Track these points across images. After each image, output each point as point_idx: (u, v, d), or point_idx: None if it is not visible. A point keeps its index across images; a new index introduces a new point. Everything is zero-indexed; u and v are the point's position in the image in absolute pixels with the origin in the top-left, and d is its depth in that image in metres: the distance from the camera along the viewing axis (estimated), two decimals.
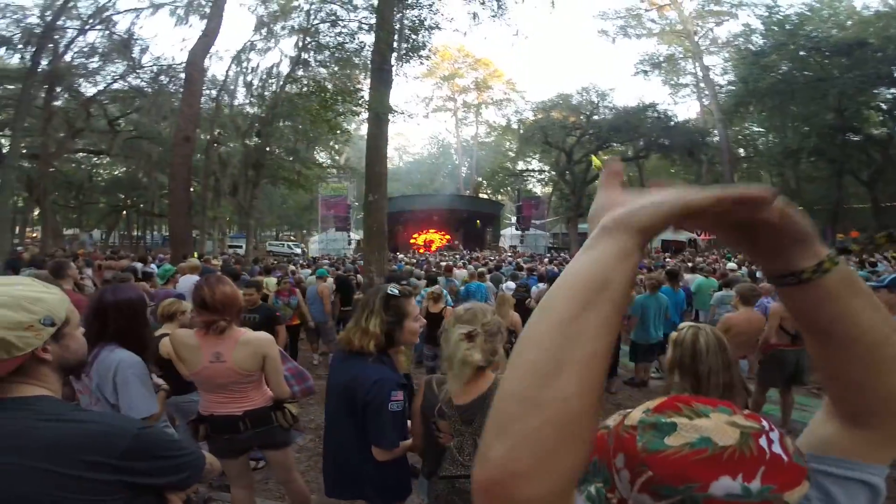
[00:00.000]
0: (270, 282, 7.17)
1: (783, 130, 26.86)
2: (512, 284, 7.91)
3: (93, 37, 18.05)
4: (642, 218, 0.46)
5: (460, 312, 1.90)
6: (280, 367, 2.49)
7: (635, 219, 0.46)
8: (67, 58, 17.74)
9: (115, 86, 19.99)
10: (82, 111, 19.31)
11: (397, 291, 2.06)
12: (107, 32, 18.02)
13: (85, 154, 25.25)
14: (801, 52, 23.14)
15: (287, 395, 2.53)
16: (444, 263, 12.14)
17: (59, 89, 18.21)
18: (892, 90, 22.35)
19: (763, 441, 0.55)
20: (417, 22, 12.07)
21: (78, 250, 15.57)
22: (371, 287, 5.06)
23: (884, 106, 23.48)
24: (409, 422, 2.04)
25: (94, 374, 2.06)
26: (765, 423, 0.57)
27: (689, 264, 12.99)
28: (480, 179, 45.32)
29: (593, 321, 0.43)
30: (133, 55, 18.71)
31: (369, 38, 12.76)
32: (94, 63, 18.73)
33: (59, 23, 16.40)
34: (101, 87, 19.80)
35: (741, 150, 31.72)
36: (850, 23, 23.40)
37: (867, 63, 20.64)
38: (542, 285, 8.00)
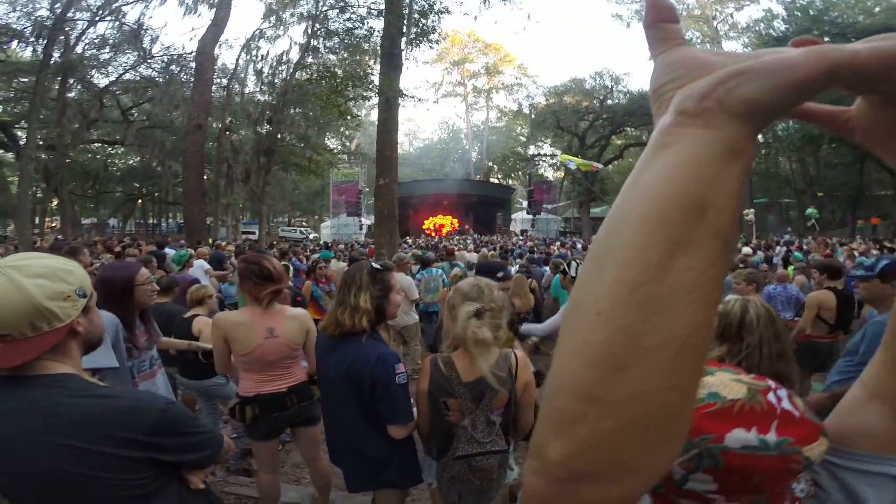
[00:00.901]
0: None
1: None
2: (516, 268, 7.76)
3: (103, 28, 18.18)
4: (753, 89, 0.26)
5: (465, 289, 1.86)
6: None
7: (741, 92, 0.27)
8: (79, 49, 17.86)
9: (127, 76, 20.18)
10: (95, 102, 19.53)
11: (380, 265, 2.07)
12: (117, 23, 18.09)
13: (100, 144, 25.58)
14: (826, 39, 22.10)
15: None
16: (451, 247, 12.15)
17: (71, 81, 18.35)
18: None
19: (772, 397, 0.56)
20: (427, 6, 11.95)
21: (96, 238, 15.89)
22: None
23: None
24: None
25: None
26: (771, 382, 0.58)
27: None
28: (491, 164, 44.97)
29: (690, 273, 0.26)
30: (143, 45, 18.79)
31: (379, 23, 12.70)
32: (106, 54, 18.86)
33: (70, 15, 16.49)
34: (113, 78, 19.99)
35: (759, 136, 30.95)
36: (878, 9, 22.44)
37: None
38: (546, 268, 7.75)
